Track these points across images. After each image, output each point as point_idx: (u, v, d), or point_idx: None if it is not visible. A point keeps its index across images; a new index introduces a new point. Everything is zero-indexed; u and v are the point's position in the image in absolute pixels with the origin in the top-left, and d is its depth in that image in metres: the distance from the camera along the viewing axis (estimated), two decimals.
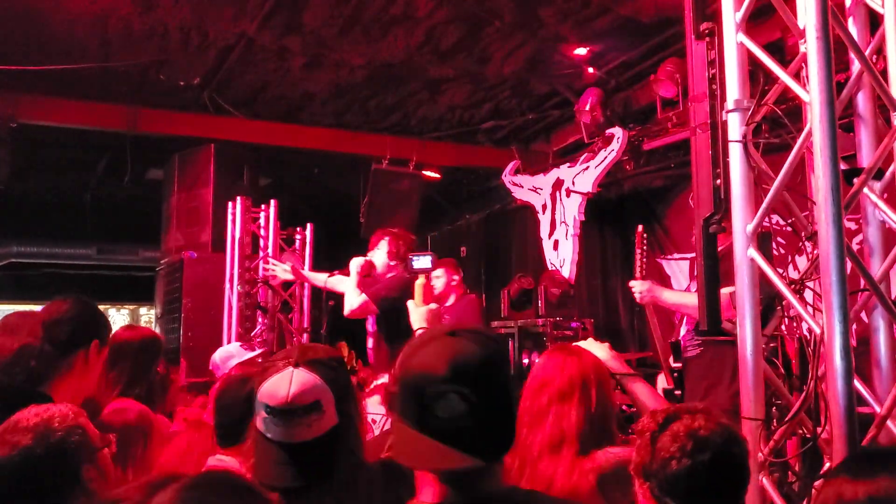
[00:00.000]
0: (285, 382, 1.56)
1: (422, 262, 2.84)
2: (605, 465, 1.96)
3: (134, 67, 6.12)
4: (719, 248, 2.40)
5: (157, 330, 7.71)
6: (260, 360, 4.17)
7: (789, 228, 2.36)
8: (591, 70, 6.34)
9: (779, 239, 5.02)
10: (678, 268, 7.04)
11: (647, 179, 7.25)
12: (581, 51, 6.07)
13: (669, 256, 7.19)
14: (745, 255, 2.13)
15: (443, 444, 1.24)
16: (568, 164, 7.25)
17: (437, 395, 1.25)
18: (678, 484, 1.56)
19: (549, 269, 7.16)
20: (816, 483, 2.15)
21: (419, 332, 2.21)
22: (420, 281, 2.39)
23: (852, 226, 3.64)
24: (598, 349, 2.28)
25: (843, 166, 1.98)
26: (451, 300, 5.48)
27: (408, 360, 1.33)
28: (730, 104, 2.19)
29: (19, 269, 10.74)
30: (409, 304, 2.31)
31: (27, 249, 10.58)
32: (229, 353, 4.34)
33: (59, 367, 2.26)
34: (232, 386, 2.29)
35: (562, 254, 7.20)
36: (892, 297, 2.21)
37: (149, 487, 1.11)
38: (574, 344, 2.30)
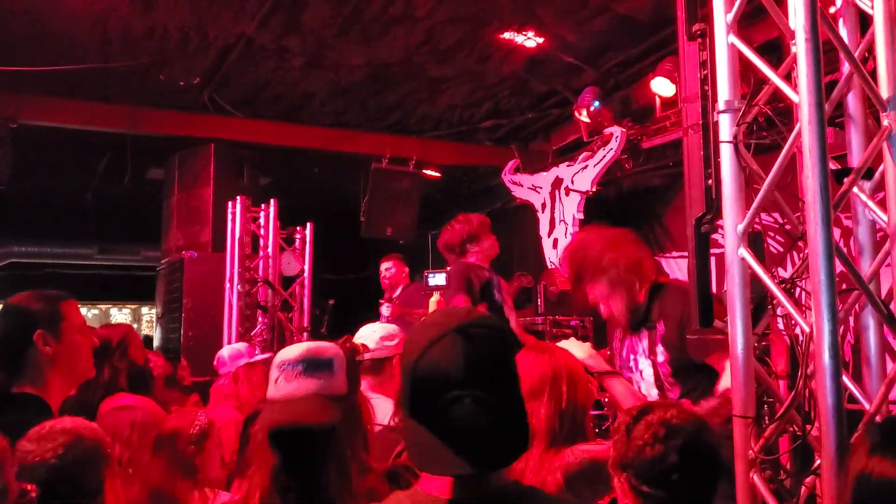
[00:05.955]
0: (303, 344, 1.69)
1: (437, 279, 2.87)
2: (573, 462, 1.99)
3: (134, 68, 6.14)
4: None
5: (158, 329, 7.74)
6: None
7: (786, 227, 2.37)
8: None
9: (777, 237, 5.03)
10: (677, 266, 7.04)
11: (646, 178, 7.26)
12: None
13: (668, 255, 7.20)
14: (735, 254, 2.15)
15: (461, 448, 1.21)
16: (567, 163, 7.28)
17: (453, 400, 1.22)
18: (652, 469, 1.62)
19: (549, 267, 7.18)
20: (807, 480, 2.17)
21: None
22: (434, 297, 2.42)
23: (849, 224, 3.65)
24: (578, 348, 2.32)
25: (834, 166, 1.99)
26: (398, 291, 6.04)
27: (418, 356, 1.27)
28: (721, 105, 2.21)
29: (20, 269, 10.76)
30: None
31: (28, 249, 10.61)
32: (238, 352, 4.31)
33: (18, 374, 2.14)
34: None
35: (561, 252, 7.22)
36: (882, 297, 2.23)
37: None
38: (552, 343, 2.34)
